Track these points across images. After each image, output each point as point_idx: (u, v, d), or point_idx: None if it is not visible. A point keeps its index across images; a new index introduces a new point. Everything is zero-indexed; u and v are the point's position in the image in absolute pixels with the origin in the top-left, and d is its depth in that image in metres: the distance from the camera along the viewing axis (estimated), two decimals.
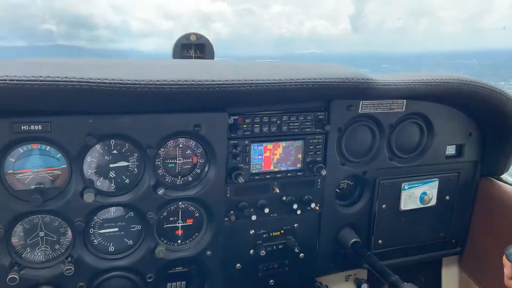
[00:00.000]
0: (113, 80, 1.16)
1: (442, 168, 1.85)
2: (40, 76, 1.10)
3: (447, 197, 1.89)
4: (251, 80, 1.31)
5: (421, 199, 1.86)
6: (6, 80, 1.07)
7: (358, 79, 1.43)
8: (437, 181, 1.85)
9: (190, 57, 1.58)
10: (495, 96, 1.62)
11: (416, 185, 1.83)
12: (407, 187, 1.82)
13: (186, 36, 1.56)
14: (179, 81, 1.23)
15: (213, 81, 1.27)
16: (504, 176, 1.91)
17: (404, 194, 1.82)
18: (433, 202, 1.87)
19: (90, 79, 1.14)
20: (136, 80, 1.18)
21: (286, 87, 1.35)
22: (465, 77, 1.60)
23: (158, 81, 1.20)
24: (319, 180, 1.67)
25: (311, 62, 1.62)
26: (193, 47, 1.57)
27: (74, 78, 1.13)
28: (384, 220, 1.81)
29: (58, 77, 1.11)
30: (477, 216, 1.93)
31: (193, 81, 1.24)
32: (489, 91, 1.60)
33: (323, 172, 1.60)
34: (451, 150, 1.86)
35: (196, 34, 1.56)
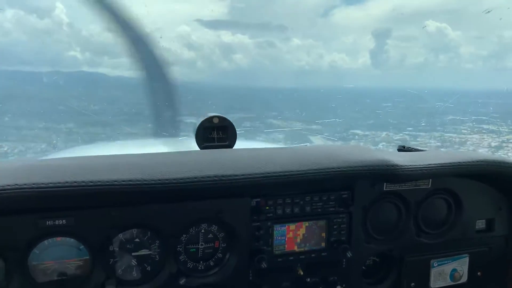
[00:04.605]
0: (138, 181, 1.23)
1: (472, 243, 1.84)
2: (66, 182, 1.18)
3: (479, 273, 1.86)
4: (274, 172, 1.37)
5: (452, 277, 1.83)
6: (33, 188, 1.15)
7: (383, 166, 1.47)
8: (468, 257, 1.83)
9: (213, 139, 1.65)
10: None
11: (446, 262, 1.81)
12: (436, 264, 1.80)
13: (209, 119, 1.64)
14: (203, 177, 1.29)
15: (236, 175, 1.33)
16: None
17: (433, 272, 1.80)
18: (464, 279, 1.84)
19: (115, 181, 1.21)
20: (159, 180, 1.25)
21: (309, 177, 1.40)
22: (491, 157, 1.63)
23: (181, 179, 1.27)
24: (344, 260, 1.67)
25: (333, 145, 1.67)
26: (216, 129, 1.64)
27: (99, 181, 1.20)
28: None
29: (83, 182, 1.19)
30: None
31: (215, 177, 1.31)
32: None
33: (349, 254, 1.61)
34: (480, 224, 1.85)
35: (218, 117, 1.65)
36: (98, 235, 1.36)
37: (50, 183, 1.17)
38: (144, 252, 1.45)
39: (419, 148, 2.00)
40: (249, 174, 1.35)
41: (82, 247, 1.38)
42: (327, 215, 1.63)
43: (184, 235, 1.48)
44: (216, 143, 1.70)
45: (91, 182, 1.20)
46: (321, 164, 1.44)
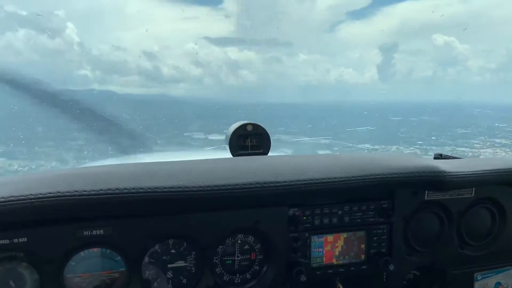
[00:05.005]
0: (179, 188, 1.19)
1: None
2: (109, 189, 1.14)
3: None
4: (316, 179, 1.32)
5: None
6: (75, 196, 1.11)
7: (430, 172, 1.42)
8: None
9: (247, 147, 1.62)
10: None
11: (490, 274, 1.73)
12: (480, 277, 1.72)
13: (243, 127, 1.61)
14: (244, 184, 1.25)
15: (278, 182, 1.28)
16: None
17: (477, 285, 1.72)
18: None
19: (157, 188, 1.17)
20: (201, 187, 1.21)
21: (352, 184, 1.35)
22: None
23: (223, 185, 1.23)
24: (385, 273, 1.60)
25: (370, 153, 1.63)
26: (250, 136, 1.61)
27: (141, 189, 1.17)
28: None
29: (126, 189, 1.15)
30: None
31: (257, 183, 1.26)
32: None
33: (391, 267, 1.54)
34: None
35: (252, 124, 1.62)
36: (135, 246, 1.32)
37: (93, 190, 1.13)
38: (180, 263, 1.40)
39: (456, 156, 1.95)
40: (291, 181, 1.31)
41: (118, 258, 1.33)
42: (367, 226, 1.57)
43: (221, 246, 1.43)
44: (250, 151, 1.66)
45: (134, 189, 1.16)
46: (365, 170, 1.39)
